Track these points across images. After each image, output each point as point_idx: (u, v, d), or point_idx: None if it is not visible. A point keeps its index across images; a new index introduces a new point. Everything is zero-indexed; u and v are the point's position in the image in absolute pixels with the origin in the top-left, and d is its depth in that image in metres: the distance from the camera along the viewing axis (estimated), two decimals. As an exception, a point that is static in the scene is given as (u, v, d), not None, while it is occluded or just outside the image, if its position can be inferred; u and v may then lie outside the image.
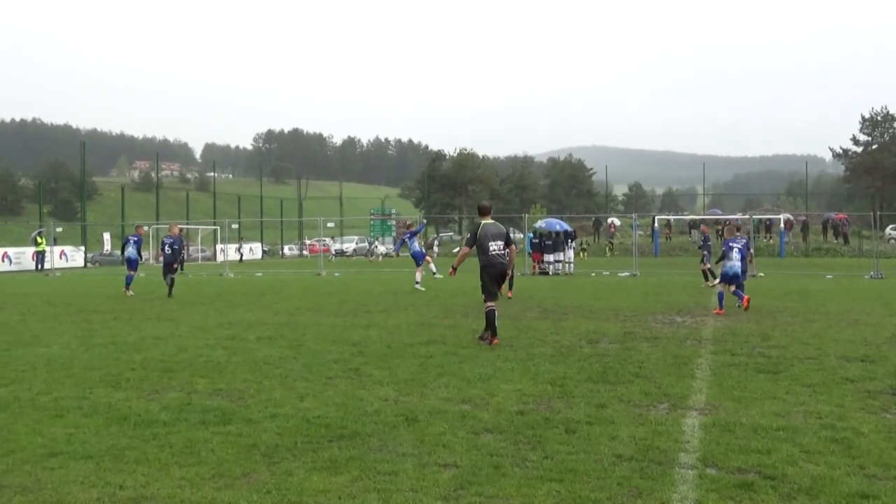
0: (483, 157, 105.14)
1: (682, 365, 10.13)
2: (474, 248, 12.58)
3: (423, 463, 5.94)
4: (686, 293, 21.77)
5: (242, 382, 9.15)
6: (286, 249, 73.09)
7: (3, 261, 45.63)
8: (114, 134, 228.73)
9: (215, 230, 61.81)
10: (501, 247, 12.41)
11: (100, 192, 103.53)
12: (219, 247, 58.79)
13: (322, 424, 7.12)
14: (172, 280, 23.15)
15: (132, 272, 23.89)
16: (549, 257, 34.19)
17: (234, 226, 62.83)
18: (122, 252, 25.00)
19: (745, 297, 16.83)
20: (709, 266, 24.47)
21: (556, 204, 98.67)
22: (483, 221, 12.67)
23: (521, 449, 6.30)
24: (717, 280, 17.74)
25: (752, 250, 19.30)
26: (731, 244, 17.23)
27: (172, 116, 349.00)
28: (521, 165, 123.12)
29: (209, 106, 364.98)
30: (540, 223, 38.26)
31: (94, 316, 17.32)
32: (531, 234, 36.31)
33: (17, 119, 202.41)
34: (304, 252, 72.13)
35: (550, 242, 34.53)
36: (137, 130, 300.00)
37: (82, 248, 52.23)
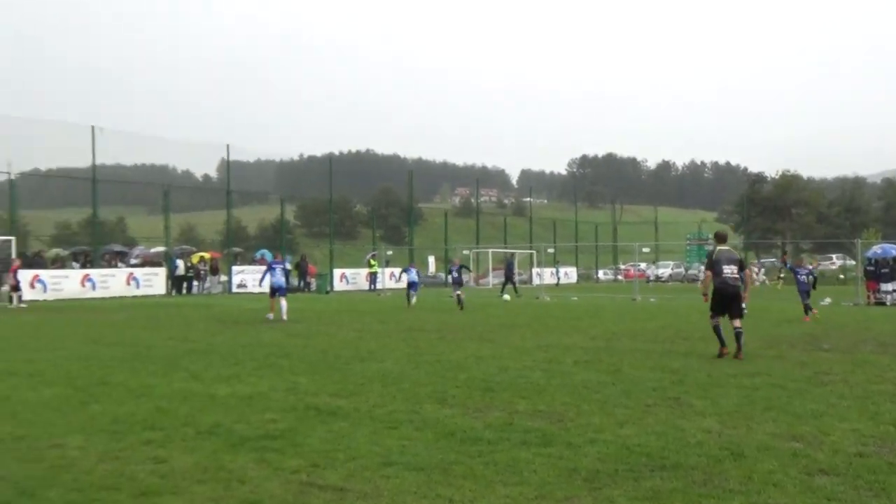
0: (808, 178, 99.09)
1: None
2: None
3: (752, 502, 5.65)
4: None
5: (562, 405, 9.24)
6: (600, 274, 73.15)
7: (341, 281, 49.73)
8: (437, 162, 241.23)
9: (531, 254, 63.24)
10: (735, 271, 14.02)
11: (425, 217, 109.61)
12: (535, 270, 60.08)
13: (643, 453, 7.00)
14: (458, 297, 28.39)
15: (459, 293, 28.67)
16: (887, 286, 31.40)
17: (550, 250, 63.95)
18: (449, 276, 29.90)
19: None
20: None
21: (892, 228, 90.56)
22: (719, 248, 14.33)
23: (861, 495, 5.80)
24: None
25: None
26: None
27: (490, 144, 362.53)
28: (852, 187, 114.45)
29: (525, 133, 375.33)
30: (875, 249, 35.24)
31: (421, 335, 18.33)
32: (866, 261, 33.58)
33: (353, 150, 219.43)
34: (619, 277, 71.79)
35: (887, 270, 31.69)
36: (458, 159, 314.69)
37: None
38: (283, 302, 22.87)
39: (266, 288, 25.08)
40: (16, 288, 31.16)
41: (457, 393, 10.13)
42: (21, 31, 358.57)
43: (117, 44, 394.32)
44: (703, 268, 16.07)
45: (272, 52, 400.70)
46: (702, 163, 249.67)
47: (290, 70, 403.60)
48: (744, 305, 14.76)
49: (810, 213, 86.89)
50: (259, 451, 7.19)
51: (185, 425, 8.25)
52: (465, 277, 37.14)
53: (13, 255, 33.13)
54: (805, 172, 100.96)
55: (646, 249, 68.92)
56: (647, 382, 10.94)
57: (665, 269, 71.20)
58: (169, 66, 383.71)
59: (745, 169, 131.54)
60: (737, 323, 13.82)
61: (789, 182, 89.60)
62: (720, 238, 14.71)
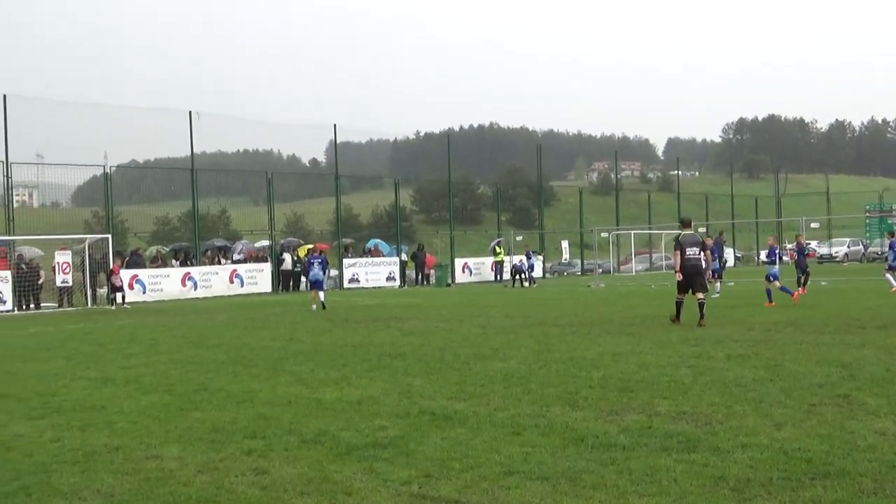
0: None
1: None
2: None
3: (931, 513, 5.48)
4: None
5: (709, 406, 9.13)
6: (762, 255, 71.39)
7: (463, 271, 50.14)
8: (570, 134, 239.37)
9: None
10: (697, 252, 18.23)
11: (557, 197, 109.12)
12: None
13: (803, 458, 6.87)
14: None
15: None
16: None
17: (701, 229, 62.74)
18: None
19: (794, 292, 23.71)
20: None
21: None
22: (684, 232, 18.57)
23: None
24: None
25: None
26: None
27: (632, 112, 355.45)
28: None
29: (673, 97, 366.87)
30: None
31: (552, 329, 18.33)
32: None
33: (475, 125, 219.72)
34: (784, 257, 69.88)
35: None
36: (595, 129, 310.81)
37: (541, 256, 55.53)
38: (321, 294, 26.94)
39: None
40: (119, 289, 33.18)
41: (589, 394, 10.13)
42: (106, 13, 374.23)
43: (210, 21, 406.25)
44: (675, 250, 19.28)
45: (382, 21, 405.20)
46: (884, 121, 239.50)
47: (403, 40, 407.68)
48: (708, 283, 19.92)
49: None
50: (367, 460, 7.39)
51: (288, 433, 8.53)
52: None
53: (112, 256, 34.72)
54: None
55: (815, 225, 66.73)
56: (811, 378, 10.69)
57: (840, 248, 68.81)
58: (271, 45, 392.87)
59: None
60: (699, 295, 18.15)
61: None
62: (685, 223, 18.97)
